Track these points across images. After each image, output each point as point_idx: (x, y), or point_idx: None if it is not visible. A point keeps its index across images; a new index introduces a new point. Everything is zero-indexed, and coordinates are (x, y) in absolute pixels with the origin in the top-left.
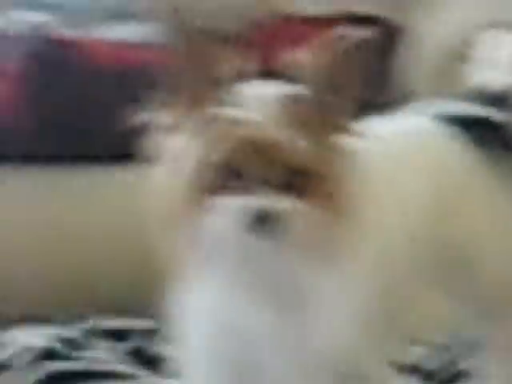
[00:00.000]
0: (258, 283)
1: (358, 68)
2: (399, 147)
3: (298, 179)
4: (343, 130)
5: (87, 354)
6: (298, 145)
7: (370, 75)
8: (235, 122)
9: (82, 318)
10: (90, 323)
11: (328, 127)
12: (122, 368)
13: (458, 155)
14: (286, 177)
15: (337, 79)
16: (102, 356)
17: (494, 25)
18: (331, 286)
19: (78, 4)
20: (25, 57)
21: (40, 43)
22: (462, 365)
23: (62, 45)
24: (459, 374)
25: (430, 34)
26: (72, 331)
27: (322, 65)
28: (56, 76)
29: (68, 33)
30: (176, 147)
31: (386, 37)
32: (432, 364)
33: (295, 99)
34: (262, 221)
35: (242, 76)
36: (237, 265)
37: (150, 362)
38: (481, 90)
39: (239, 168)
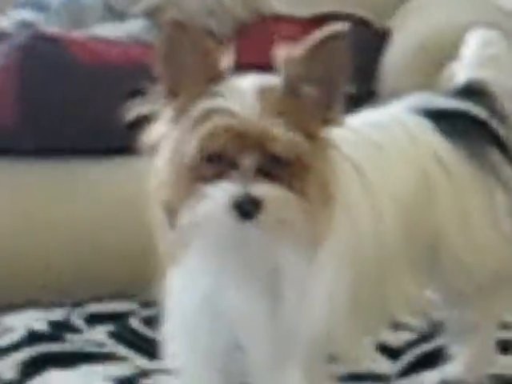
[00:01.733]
0: (240, 264)
1: (345, 64)
2: (384, 138)
3: (279, 168)
4: (328, 121)
5: (85, 336)
6: (279, 133)
7: (358, 71)
8: (223, 113)
9: (80, 303)
10: (88, 308)
11: (312, 118)
12: (116, 350)
13: (440, 146)
14: (267, 165)
15: (326, 74)
16: (99, 338)
17: (475, 25)
18: (310, 269)
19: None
20: (18, 53)
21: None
22: (432, 345)
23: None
24: (429, 355)
25: (414, 35)
26: (71, 315)
27: (309, 59)
28: (48, 74)
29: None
30: (170, 138)
31: (375, 37)
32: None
33: (278, 91)
34: (244, 206)
35: (231, 70)
36: (222, 247)
37: (143, 344)
38: (463, 85)
39: (225, 156)
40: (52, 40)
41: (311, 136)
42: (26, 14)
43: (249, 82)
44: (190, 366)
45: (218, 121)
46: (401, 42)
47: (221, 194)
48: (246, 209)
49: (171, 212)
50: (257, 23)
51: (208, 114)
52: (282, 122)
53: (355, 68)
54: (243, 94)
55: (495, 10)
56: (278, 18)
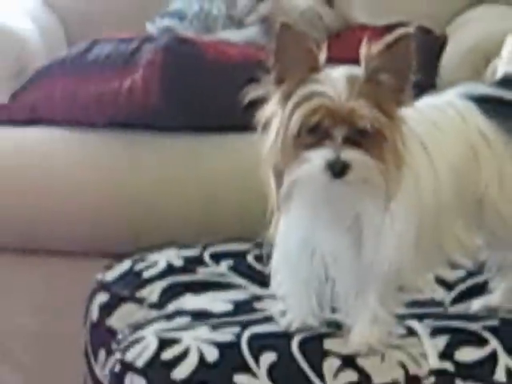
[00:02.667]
0: (331, 213)
1: (412, 58)
2: (436, 117)
3: (363, 138)
4: (400, 102)
5: (211, 269)
6: (362, 111)
7: (422, 67)
8: (320, 96)
9: (208, 244)
10: (214, 248)
11: (388, 100)
12: (235, 280)
13: (485, 125)
14: (354, 136)
15: (398, 66)
16: (222, 271)
17: None
18: (384, 217)
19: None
20: (161, 52)
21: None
22: (479, 279)
23: (186, 42)
24: (476, 287)
25: (466, 40)
26: (201, 254)
27: (387, 55)
28: (184, 68)
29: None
30: (278, 116)
31: (434, 41)
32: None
33: (361, 79)
34: (336, 167)
35: (327, 63)
36: (317, 199)
37: (256, 275)
38: (501, 77)
39: (321, 129)
40: (187, 42)
41: (388, 114)
42: (168, 22)
43: (339, 72)
44: (291, 293)
45: (316, 101)
46: (455, 45)
47: (318, 158)
48: (337, 169)
49: (279, 173)
50: (345, 31)
51: (309, 96)
52: (365, 102)
53: (420, 65)
54: (335, 81)
55: None
56: (360, 27)
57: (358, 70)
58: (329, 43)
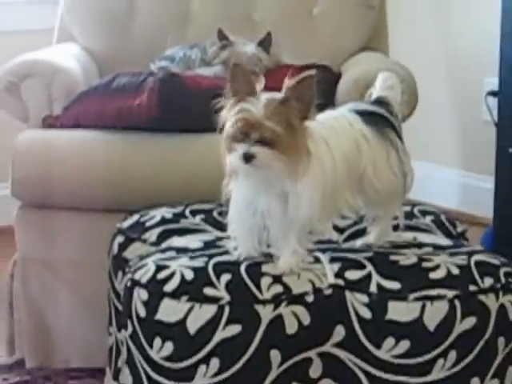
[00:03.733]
0: (262, 184)
1: (314, 90)
2: (334, 124)
3: (270, 140)
4: (306, 118)
5: (190, 221)
6: (268, 125)
7: (325, 93)
8: (246, 111)
9: (189, 204)
10: (192, 207)
11: (294, 117)
12: (205, 227)
13: (364, 128)
14: (263, 138)
15: (304, 95)
16: (197, 222)
17: (383, 70)
18: (302, 186)
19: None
20: (158, 82)
21: (164, 75)
22: (360, 226)
23: (175, 76)
24: (359, 231)
25: (353, 74)
26: (184, 210)
27: (298, 87)
28: (173, 92)
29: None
30: (226, 120)
31: (333, 76)
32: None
33: (277, 102)
34: (250, 157)
35: (264, 90)
36: (245, 177)
37: (219, 224)
38: (375, 99)
39: (243, 133)
40: (175, 75)
41: (293, 126)
42: (163, 63)
43: (265, 96)
44: (240, 235)
45: (241, 115)
46: (347, 78)
47: (238, 149)
48: (246, 158)
49: (226, 157)
50: (276, 68)
51: (239, 111)
52: (273, 118)
53: (323, 91)
54: (258, 102)
55: (394, 63)
56: (287, 66)
57: (277, 96)
58: (265, 77)
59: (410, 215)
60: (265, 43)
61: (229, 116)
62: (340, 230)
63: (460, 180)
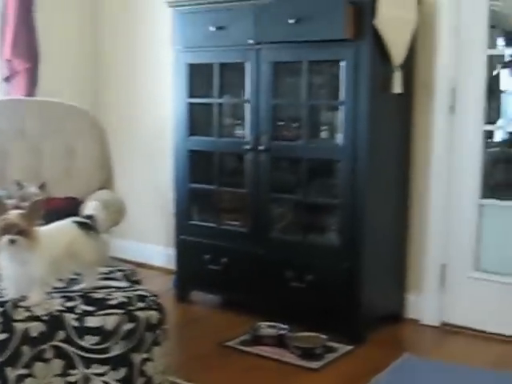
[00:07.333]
0: (11, 255)
1: (40, 210)
2: (56, 228)
3: (22, 232)
4: (36, 224)
5: None
6: (19, 226)
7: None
8: (6, 220)
9: None
10: None
11: (32, 223)
12: None
13: (77, 230)
14: (18, 231)
15: (35, 209)
16: None
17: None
18: (36, 255)
19: None
20: None
21: None
22: (77, 281)
23: None
24: (75, 282)
25: (95, 200)
26: None
27: (33, 210)
28: None
29: None
30: None
31: (79, 202)
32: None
33: (22, 216)
34: (12, 242)
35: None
36: (7, 258)
37: None
38: (85, 216)
39: (7, 229)
40: None
41: (31, 226)
42: None
43: (19, 211)
44: (7, 284)
45: (4, 219)
46: (90, 203)
47: (5, 238)
48: (11, 241)
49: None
50: (49, 199)
51: (3, 218)
52: (21, 222)
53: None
54: (13, 213)
55: (113, 195)
56: (52, 198)
57: (24, 211)
58: (46, 203)
59: (110, 272)
60: (42, 187)
61: None
62: (64, 281)
63: (162, 250)
